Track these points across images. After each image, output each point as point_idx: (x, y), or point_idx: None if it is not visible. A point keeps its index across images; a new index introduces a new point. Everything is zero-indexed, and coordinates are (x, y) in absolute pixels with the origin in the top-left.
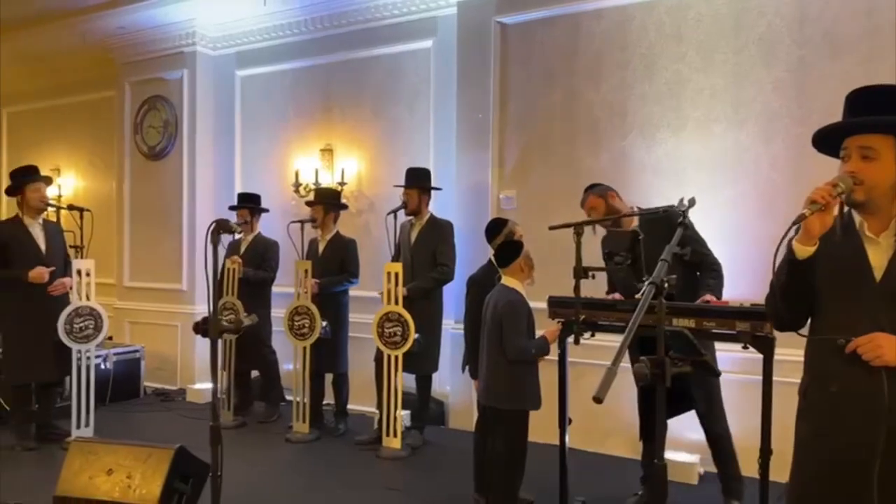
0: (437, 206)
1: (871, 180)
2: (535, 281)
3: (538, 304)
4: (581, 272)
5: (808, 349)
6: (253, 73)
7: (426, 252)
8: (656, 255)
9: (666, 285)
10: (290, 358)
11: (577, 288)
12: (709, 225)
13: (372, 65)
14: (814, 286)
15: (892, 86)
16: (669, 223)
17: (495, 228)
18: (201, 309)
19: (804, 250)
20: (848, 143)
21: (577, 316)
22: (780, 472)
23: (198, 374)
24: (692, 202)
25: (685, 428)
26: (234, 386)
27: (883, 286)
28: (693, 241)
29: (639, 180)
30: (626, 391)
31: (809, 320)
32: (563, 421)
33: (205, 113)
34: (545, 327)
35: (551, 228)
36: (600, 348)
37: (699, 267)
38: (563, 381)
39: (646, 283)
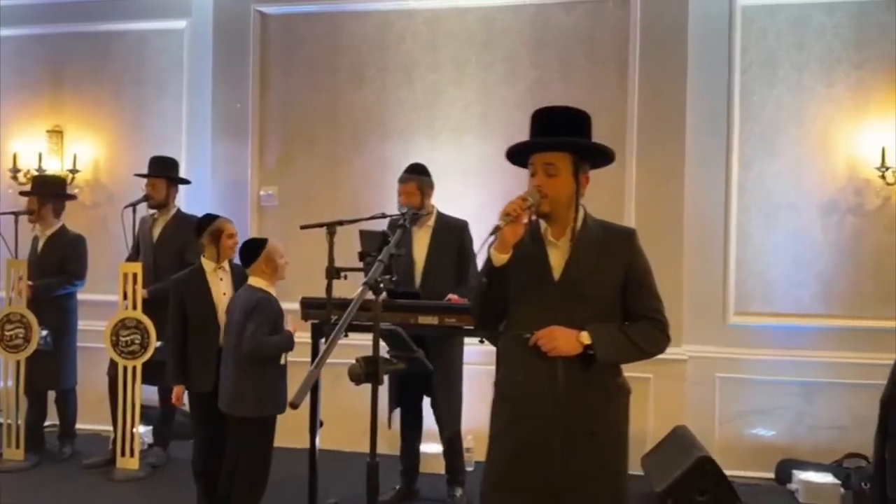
0: (190, 201)
1: (554, 193)
2: (285, 278)
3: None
4: (333, 272)
5: (501, 344)
6: None
7: (172, 251)
8: (445, 259)
9: (381, 286)
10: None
11: (329, 288)
12: None
13: (115, 40)
14: (508, 290)
15: (569, 108)
16: (459, 230)
17: (204, 225)
18: None
19: (500, 258)
20: (534, 160)
21: (328, 317)
22: None
23: None
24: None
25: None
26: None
27: (561, 284)
28: (468, 255)
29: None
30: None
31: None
32: (314, 424)
33: None
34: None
35: (303, 228)
36: (355, 348)
37: (462, 280)
38: (315, 383)
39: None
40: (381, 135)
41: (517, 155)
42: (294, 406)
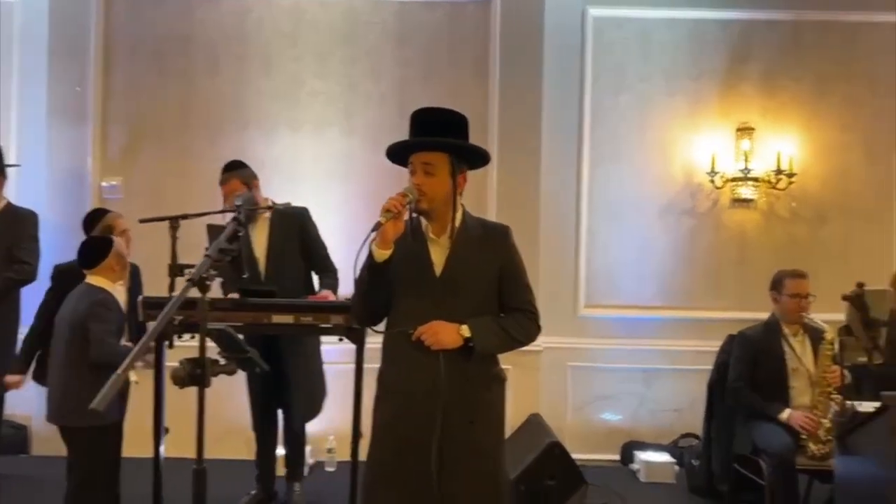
0: (22, 193)
1: (432, 192)
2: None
3: None
4: (177, 270)
5: (385, 340)
6: None
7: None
8: (288, 249)
9: (208, 282)
10: None
11: (171, 287)
12: (322, 225)
13: None
14: (390, 286)
15: (448, 110)
16: (298, 217)
17: (93, 221)
18: None
19: (381, 254)
20: (413, 159)
21: (170, 317)
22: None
23: None
24: (249, 199)
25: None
26: None
27: (442, 280)
28: (315, 242)
29: (262, 177)
30: (237, 391)
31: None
32: (159, 431)
33: None
34: None
35: (142, 221)
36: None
37: (318, 269)
38: (159, 389)
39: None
40: (239, 125)
41: (396, 154)
42: (96, 412)
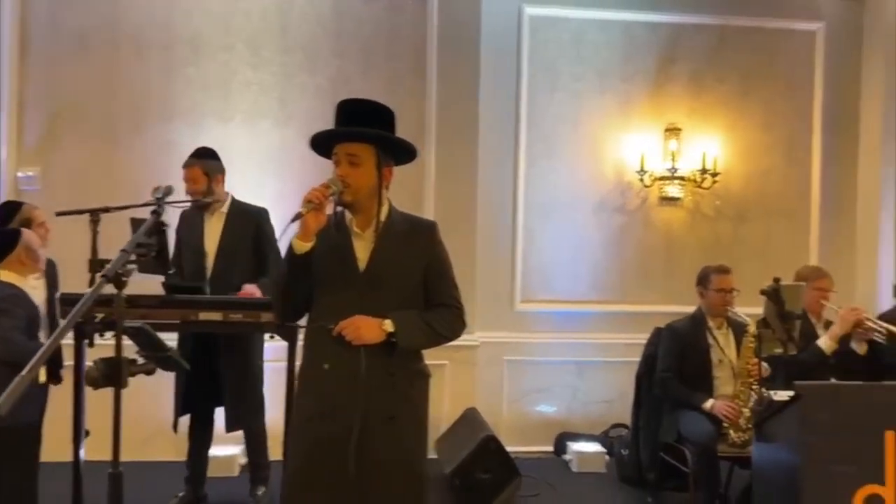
0: None
1: (357, 184)
2: (42, 274)
3: None
4: (97, 265)
5: (306, 336)
6: None
7: None
8: (240, 248)
9: (124, 278)
10: None
11: (91, 283)
12: None
13: None
14: (311, 279)
15: (375, 102)
16: (256, 216)
17: (7, 214)
18: None
19: (302, 246)
20: (338, 150)
21: (89, 315)
22: None
23: None
24: (168, 190)
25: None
26: None
27: (365, 274)
28: (268, 244)
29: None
30: (165, 391)
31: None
32: (79, 434)
33: None
34: None
35: (59, 214)
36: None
37: (266, 271)
38: (78, 390)
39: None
40: (166, 115)
41: (321, 144)
42: None
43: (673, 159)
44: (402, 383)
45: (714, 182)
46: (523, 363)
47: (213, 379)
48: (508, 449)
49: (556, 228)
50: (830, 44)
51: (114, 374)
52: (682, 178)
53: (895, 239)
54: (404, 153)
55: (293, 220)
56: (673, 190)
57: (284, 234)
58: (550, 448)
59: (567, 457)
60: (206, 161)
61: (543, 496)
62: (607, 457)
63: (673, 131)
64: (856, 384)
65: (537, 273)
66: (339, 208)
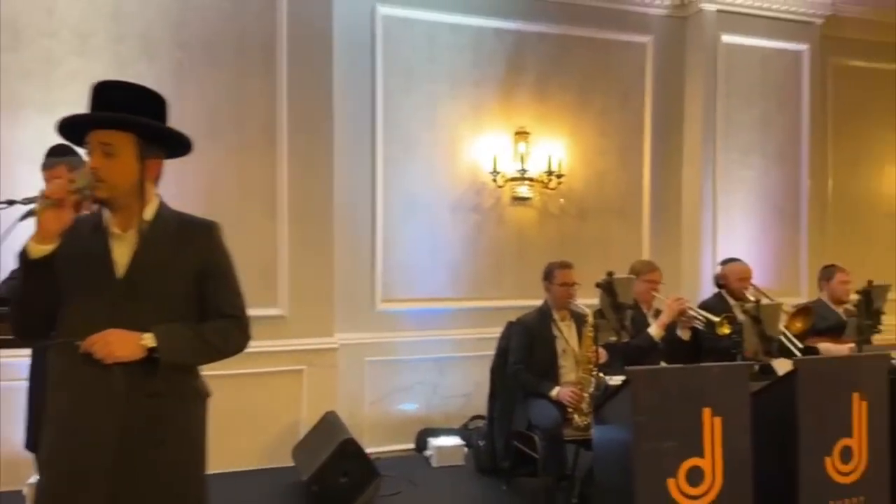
0: None
1: (112, 178)
2: None
3: None
4: None
5: (50, 355)
6: None
7: None
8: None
9: None
10: None
11: None
12: None
13: None
14: (56, 288)
15: (141, 86)
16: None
17: None
18: None
19: (39, 249)
20: (90, 138)
21: None
22: None
23: None
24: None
25: None
26: None
27: (124, 281)
28: None
29: (6, 165)
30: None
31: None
32: None
33: None
34: None
35: None
36: None
37: None
38: None
39: None
40: None
41: (74, 131)
42: None
43: (522, 161)
44: (171, 405)
45: (559, 183)
46: (385, 363)
47: None
48: (370, 450)
49: (415, 228)
50: (658, 56)
51: None
52: (531, 180)
53: (713, 234)
54: (177, 145)
55: (22, 218)
56: (523, 190)
57: (6, 236)
58: (412, 445)
59: (428, 452)
60: (70, 158)
61: (404, 494)
62: (466, 449)
63: (522, 135)
64: (677, 367)
65: (397, 272)
66: (96, 205)
